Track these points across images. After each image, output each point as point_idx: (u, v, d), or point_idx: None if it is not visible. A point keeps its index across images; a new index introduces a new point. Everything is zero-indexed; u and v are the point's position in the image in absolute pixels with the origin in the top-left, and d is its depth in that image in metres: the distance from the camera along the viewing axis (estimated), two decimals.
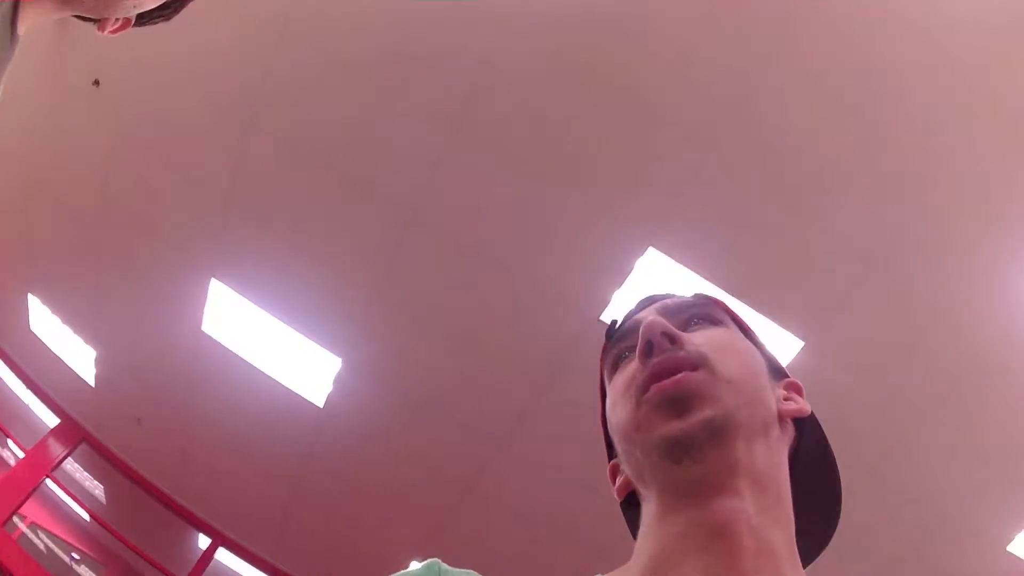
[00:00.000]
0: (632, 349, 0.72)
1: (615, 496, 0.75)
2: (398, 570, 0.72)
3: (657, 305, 0.78)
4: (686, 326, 0.75)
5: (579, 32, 2.99)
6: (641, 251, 3.38)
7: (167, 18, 1.19)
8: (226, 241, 4.00)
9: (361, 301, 3.88)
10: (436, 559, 0.68)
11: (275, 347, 4.22)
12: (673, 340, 0.69)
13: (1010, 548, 3.78)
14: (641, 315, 0.76)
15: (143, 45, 3.51)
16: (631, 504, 0.73)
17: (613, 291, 3.53)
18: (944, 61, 2.70)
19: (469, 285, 3.71)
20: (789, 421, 0.72)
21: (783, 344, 3.37)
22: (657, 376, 0.66)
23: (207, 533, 5.78)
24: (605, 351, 0.79)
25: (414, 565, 0.70)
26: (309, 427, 4.39)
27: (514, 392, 3.93)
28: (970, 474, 3.60)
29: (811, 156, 3.00)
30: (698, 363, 0.66)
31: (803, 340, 3.36)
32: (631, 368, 0.71)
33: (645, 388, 0.67)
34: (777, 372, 0.76)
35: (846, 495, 0.79)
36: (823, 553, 0.78)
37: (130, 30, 1.16)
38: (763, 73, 2.89)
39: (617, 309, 3.57)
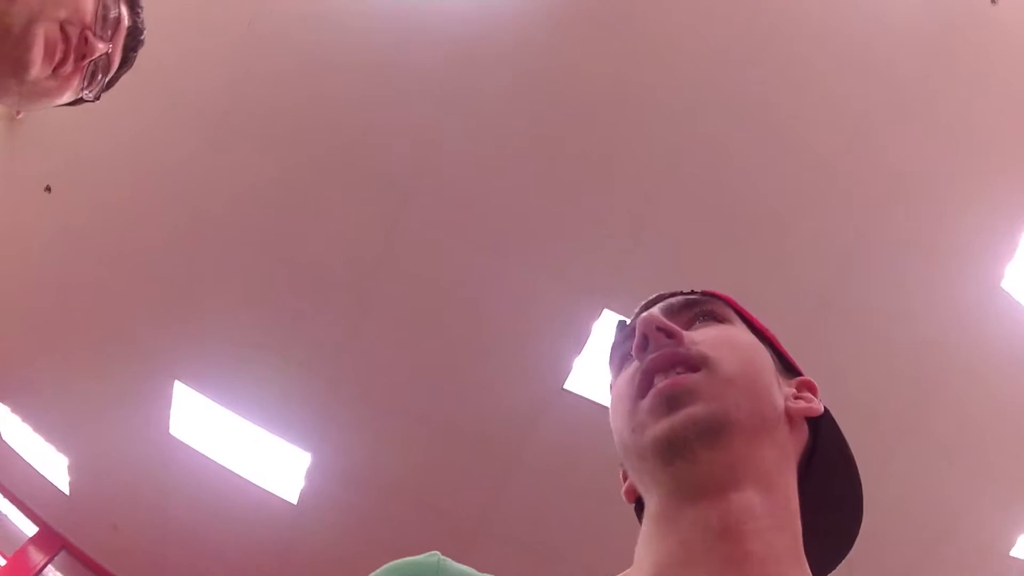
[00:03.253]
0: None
1: (624, 499, 0.71)
2: None
3: (662, 304, 0.76)
4: (691, 324, 0.72)
5: (527, 105, 3.04)
6: (597, 314, 3.36)
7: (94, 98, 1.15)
8: (185, 342, 3.97)
9: (323, 393, 3.84)
10: (436, 551, 0.64)
11: (244, 446, 4.15)
12: (671, 335, 0.66)
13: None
14: (645, 313, 0.73)
15: (91, 150, 3.54)
16: (642, 507, 0.69)
17: (574, 358, 3.51)
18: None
19: (429, 367, 3.68)
20: (801, 421, 0.68)
21: None
22: (651, 372, 0.64)
23: None
24: (612, 352, 0.76)
25: None
26: (284, 525, 4.31)
27: (485, 468, 3.86)
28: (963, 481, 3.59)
29: (752, 188, 3.11)
30: (699, 363, 0.64)
31: None
32: (632, 367, 0.68)
33: (641, 386, 0.64)
34: (789, 370, 0.73)
35: None
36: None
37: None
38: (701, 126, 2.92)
39: (579, 376, 3.54)
